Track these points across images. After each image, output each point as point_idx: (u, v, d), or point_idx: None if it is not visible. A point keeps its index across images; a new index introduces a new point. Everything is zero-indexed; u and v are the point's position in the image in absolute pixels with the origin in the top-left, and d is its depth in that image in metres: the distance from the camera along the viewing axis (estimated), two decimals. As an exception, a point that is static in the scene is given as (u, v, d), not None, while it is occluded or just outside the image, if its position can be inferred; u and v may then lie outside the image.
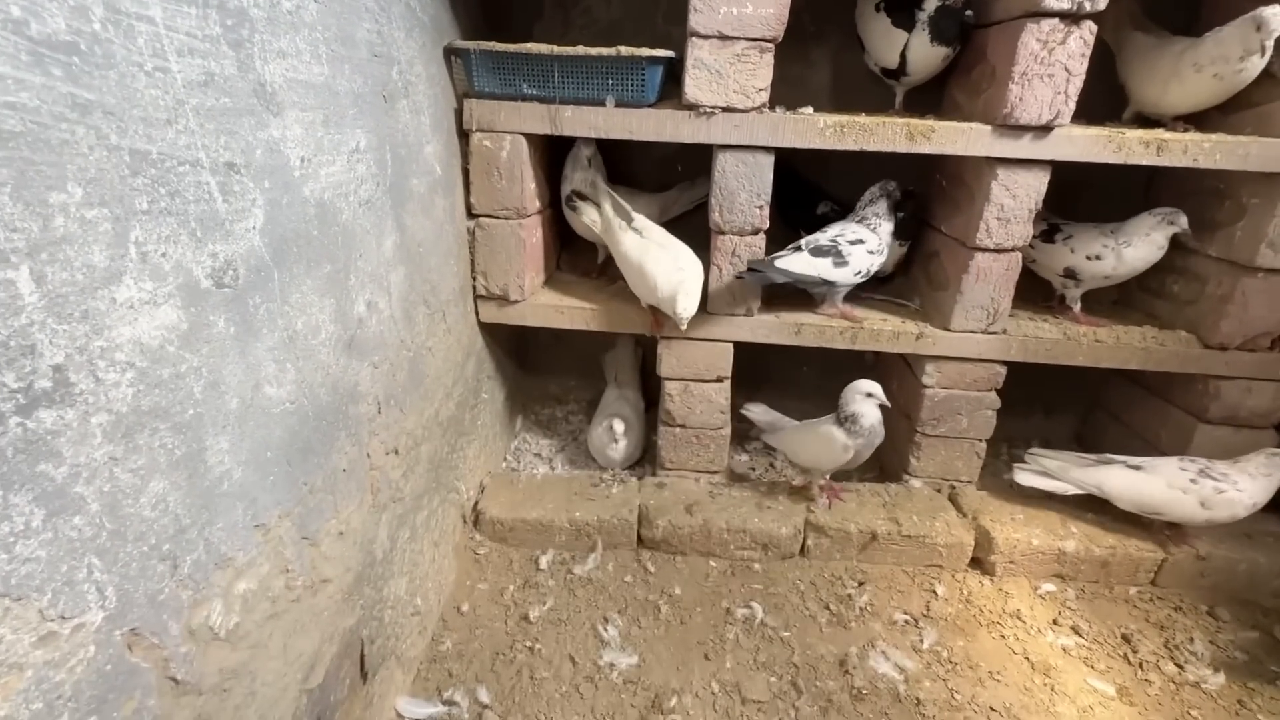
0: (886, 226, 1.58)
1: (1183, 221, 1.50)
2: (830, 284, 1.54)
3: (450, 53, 1.41)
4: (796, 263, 1.49)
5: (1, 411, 0.48)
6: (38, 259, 0.50)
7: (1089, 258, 1.57)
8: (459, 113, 1.46)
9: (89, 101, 0.54)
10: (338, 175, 0.95)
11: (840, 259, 1.50)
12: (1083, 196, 1.72)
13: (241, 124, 0.73)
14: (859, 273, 1.53)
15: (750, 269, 1.49)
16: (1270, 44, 1.32)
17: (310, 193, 0.88)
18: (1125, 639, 1.40)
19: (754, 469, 1.89)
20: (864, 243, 1.53)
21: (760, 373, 2.04)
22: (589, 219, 1.62)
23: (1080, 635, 1.41)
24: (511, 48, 1.37)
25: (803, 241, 1.53)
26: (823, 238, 1.54)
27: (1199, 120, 1.52)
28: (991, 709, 1.24)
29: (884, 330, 1.58)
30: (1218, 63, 1.38)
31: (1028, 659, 1.34)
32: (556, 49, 1.36)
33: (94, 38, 0.54)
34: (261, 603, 0.79)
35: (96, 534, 0.55)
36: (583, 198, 1.62)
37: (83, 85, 0.53)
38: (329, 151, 0.92)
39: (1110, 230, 1.57)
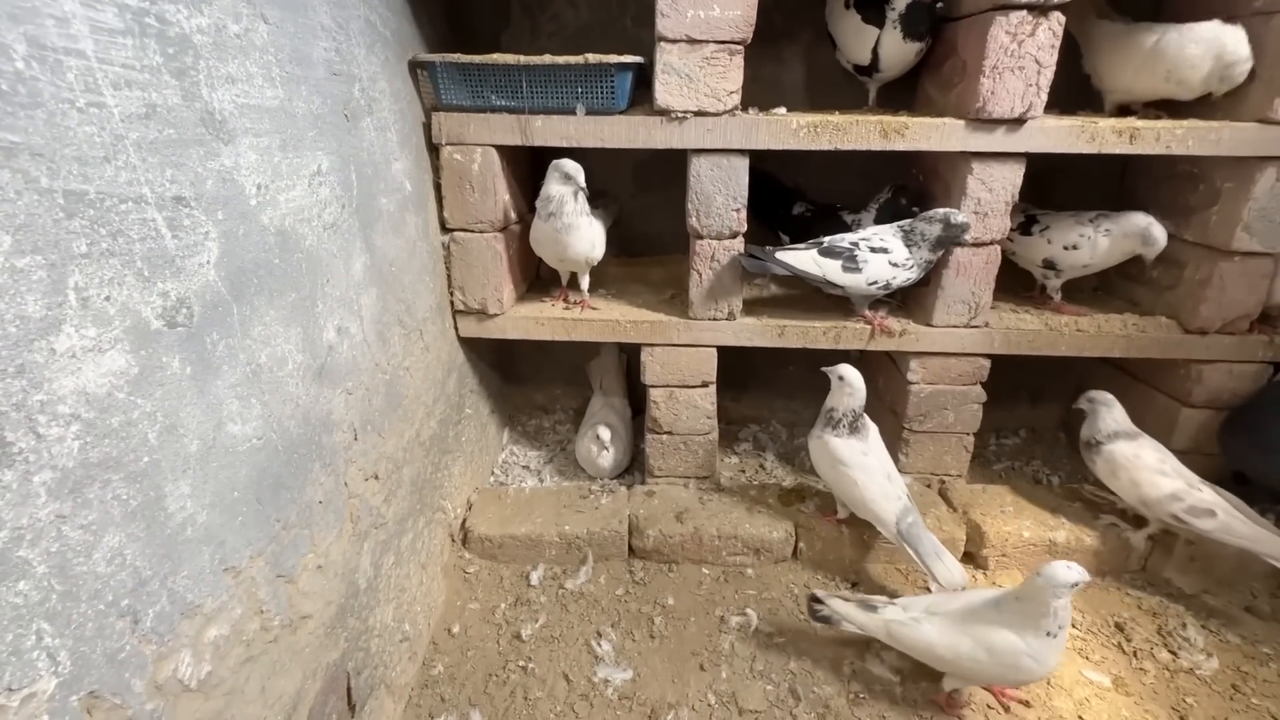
0: (926, 255, 1.44)
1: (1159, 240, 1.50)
2: (840, 289, 1.50)
3: (416, 66, 1.38)
4: (799, 259, 1.46)
5: (-69, 479, 0.45)
6: (-36, 315, 0.47)
7: (1066, 248, 1.57)
8: (427, 127, 1.43)
9: (14, 144, 0.51)
10: (299, 200, 0.92)
11: (852, 264, 1.44)
12: (1058, 183, 1.72)
13: (189, 155, 0.70)
14: (874, 283, 1.46)
15: (751, 256, 1.47)
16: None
17: (269, 220, 0.85)
18: (1119, 628, 1.40)
19: (744, 472, 1.87)
20: (888, 253, 1.44)
21: (746, 374, 2.02)
22: (855, 627, 1.24)
23: (1074, 626, 1.41)
24: (478, 59, 1.34)
25: (826, 239, 1.49)
26: (847, 238, 1.48)
27: (1171, 106, 1.52)
28: (989, 706, 1.23)
29: (866, 328, 1.57)
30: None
31: (1023, 653, 1.34)
32: (524, 59, 1.33)
33: (17, 76, 0.51)
34: (235, 647, 0.77)
35: (45, 598, 0.53)
36: (818, 601, 1.28)
37: (6, 127, 0.50)
38: (288, 176, 0.90)
39: (1090, 219, 1.56)
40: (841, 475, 1.44)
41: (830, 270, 1.46)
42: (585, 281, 1.66)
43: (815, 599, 1.29)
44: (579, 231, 1.50)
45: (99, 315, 0.58)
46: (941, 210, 1.42)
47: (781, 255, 1.46)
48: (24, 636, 0.51)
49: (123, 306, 0.61)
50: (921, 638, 1.16)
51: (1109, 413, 1.48)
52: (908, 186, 1.68)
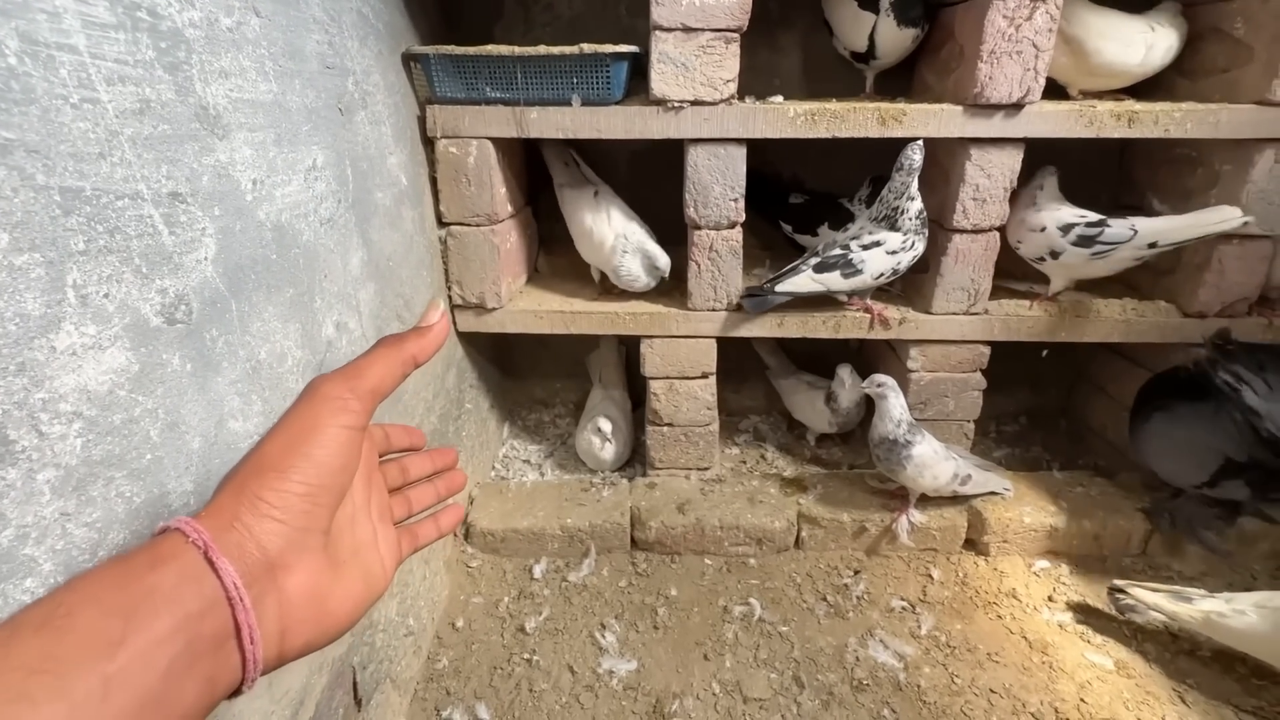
0: (918, 207, 1.40)
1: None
2: (850, 292, 1.52)
3: (409, 59, 1.37)
4: (798, 283, 1.47)
5: (-66, 478, 0.45)
6: (-37, 313, 0.47)
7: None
8: (422, 120, 1.42)
9: (9, 141, 0.50)
10: (295, 195, 0.92)
11: (850, 269, 1.45)
12: (1058, 167, 1.71)
13: (184, 151, 0.70)
14: (879, 275, 1.46)
15: (750, 296, 1.48)
16: None
17: (266, 216, 0.84)
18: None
19: (744, 463, 1.88)
20: (882, 244, 1.43)
21: (746, 365, 2.02)
22: (1165, 617, 1.26)
23: (1075, 610, 1.42)
24: (472, 51, 1.33)
25: (821, 248, 1.49)
26: (836, 245, 1.47)
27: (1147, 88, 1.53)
28: (991, 690, 1.24)
29: (866, 317, 1.57)
30: None
31: (1025, 638, 1.35)
32: (518, 50, 1.32)
33: (10, 72, 0.51)
34: (242, 643, 0.77)
35: (51, 595, 0.53)
36: (1121, 591, 1.31)
37: (0, 124, 0.50)
38: (283, 171, 0.89)
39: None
40: None
41: (832, 282, 1.47)
42: None
43: (1117, 589, 1.33)
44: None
45: (98, 313, 0.58)
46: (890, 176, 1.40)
47: (780, 286, 1.47)
48: (31, 634, 0.51)
49: (122, 304, 0.60)
50: (1244, 628, 1.19)
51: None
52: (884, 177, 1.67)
